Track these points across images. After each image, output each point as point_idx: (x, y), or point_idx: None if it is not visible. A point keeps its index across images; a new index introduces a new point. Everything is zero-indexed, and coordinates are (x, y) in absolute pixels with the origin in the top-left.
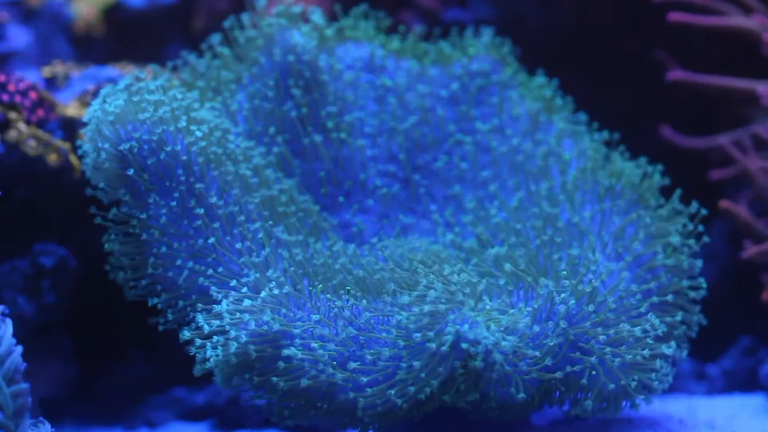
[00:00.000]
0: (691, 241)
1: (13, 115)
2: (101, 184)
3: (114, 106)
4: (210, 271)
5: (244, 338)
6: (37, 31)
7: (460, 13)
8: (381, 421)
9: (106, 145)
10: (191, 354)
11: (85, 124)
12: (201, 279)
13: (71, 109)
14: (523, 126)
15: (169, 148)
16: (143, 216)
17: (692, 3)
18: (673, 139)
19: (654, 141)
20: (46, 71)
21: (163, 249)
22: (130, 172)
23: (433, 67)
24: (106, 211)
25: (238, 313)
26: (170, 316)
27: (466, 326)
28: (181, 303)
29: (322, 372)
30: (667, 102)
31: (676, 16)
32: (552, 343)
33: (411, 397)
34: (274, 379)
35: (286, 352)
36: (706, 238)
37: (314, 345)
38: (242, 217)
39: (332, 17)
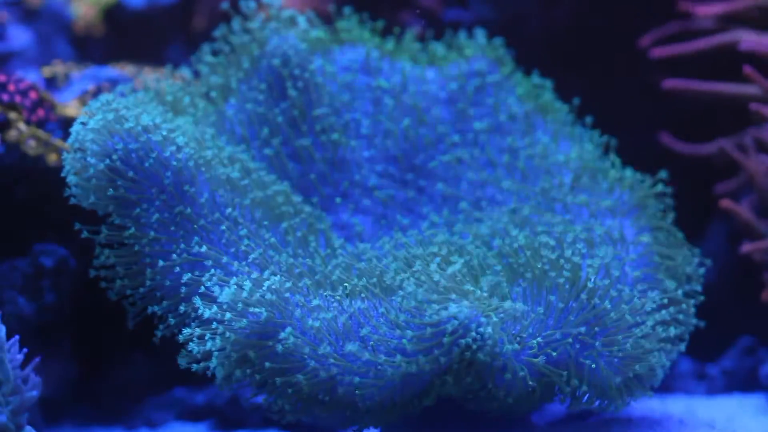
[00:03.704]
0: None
1: (13, 115)
2: (91, 199)
3: (97, 120)
4: (208, 276)
5: (242, 326)
6: (37, 31)
7: (460, 13)
8: (382, 414)
9: (93, 160)
10: (190, 350)
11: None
12: (199, 283)
13: (71, 109)
14: (520, 126)
15: (155, 156)
16: (136, 226)
17: (698, 50)
18: (672, 146)
19: (654, 141)
20: (46, 71)
21: (159, 261)
22: (119, 183)
23: (429, 68)
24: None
25: (239, 304)
26: (172, 321)
27: (466, 314)
28: (182, 308)
29: (321, 361)
30: (668, 102)
31: (670, 83)
32: (551, 336)
33: (410, 385)
34: (273, 369)
35: (283, 337)
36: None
37: (313, 332)
38: (236, 220)
39: (328, 19)
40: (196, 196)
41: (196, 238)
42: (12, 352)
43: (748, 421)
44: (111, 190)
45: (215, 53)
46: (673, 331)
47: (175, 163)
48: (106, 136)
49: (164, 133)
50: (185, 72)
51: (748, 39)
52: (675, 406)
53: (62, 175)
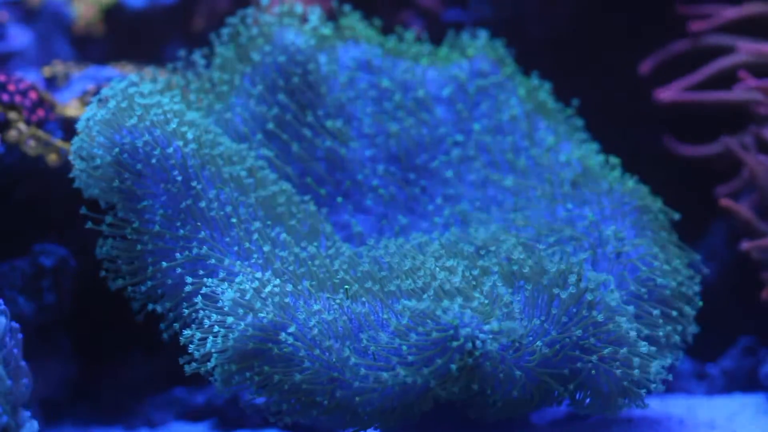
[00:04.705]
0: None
1: (13, 115)
2: (96, 190)
3: (105, 112)
4: (209, 275)
5: (242, 329)
6: (37, 31)
7: (460, 13)
8: (381, 418)
9: (100, 151)
10: (191, 353)
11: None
12: (201, 283)
13: (71, 109)
14: (521, 127)
15: (161, 151)
16: (140, 221)
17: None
18: (675, 149)
19: (654, 141)
20: (46, 71)
21: (162, 258)
22: (124, 176)
23: (430, 68)
24: (101, 215)
25: (240, 309)
26: (175, 325)
27: (465, 320)
28: (184, 306)
29: (320, 362)
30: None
31: (668, 97)
32: (551, 341)
33: (409, 391)
34: (273, 371)
35: (283, 339)
36: (698, 257)
37: (313, 334)
38: (239, 219)
39: (331, 16)
40: (201, 193)
41: (200, 235)
42: (5, 344)
43: (748, 421)
44: (117, 181)
45: (220, 49)
46: (672, 335)
47: (180, 160)
48: (115, 128)
49: (171, 129)
50: (189, 68)
51: (749, 82)
52: (675, 406)
53: (69, 157)
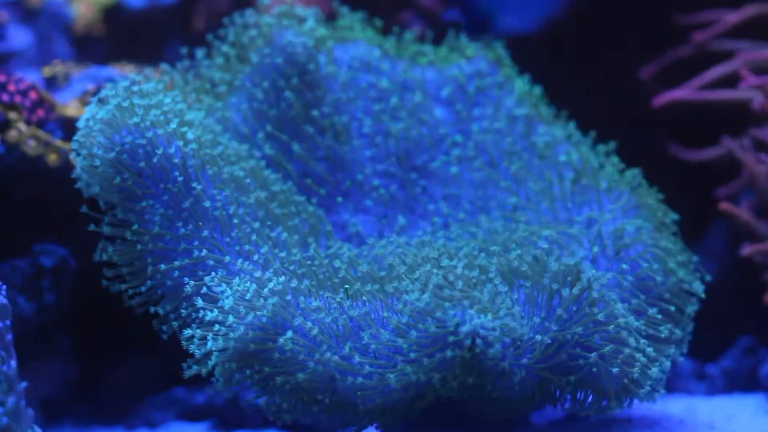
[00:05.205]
0: (691, 257)
1: (13, 115)
2: (96, 189)
3: (105, 112)
4: (210, 276)
5: (243, 328)
6: (37, 31)
7: (460, 13)
8: (381, 416)
9: (100, 151)
10: (191, 353)
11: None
12: (201, 283)
13: (71, 109)
14: (520, 128)
15: (161, 151)
16: (139, 222)
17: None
18: (680, 155)
19: (654, 142)
20: (46, 71)
21: (161, 259)
22: (124, 176)
23: (430, 68)
24: (102, 215)
25: (240, 308)
26: (175, 324)
27: (469, 318)
28: (183, 306)
29: (321, 361)
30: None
31: (663, 99)
32: (551, 338)
33: (410, 387)
34: (274, 371)
35: (281, 341)
36: (696, 258)
37: (313, 334)
38: (239, 219)
39: (331, 16)
40: (201, 193)
41: (201, 235)
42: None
43: (748, 421)
44: (118, 179)
45: (220, 49)
46: (672, 333)
47: (181, 160)
48: (115, 128)
49: (172, 129)
50: (189, 68)
51: (750, 80)
52: (675, 406)
53: (69, 157)
